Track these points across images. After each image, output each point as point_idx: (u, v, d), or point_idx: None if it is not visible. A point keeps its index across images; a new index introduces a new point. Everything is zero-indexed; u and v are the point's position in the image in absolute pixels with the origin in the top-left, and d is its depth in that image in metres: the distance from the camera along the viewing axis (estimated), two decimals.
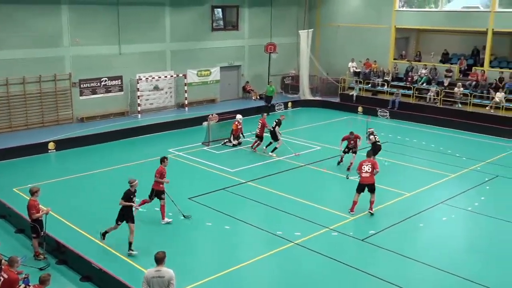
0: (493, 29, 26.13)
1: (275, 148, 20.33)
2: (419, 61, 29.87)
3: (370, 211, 14.56)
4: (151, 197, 14.01)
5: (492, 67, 27.11)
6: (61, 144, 20.93)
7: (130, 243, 12.18)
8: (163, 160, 14.12)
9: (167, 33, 27.28)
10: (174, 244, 12.80)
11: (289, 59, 33.10)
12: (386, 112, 27.56)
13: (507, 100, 24.93)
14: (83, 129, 23.08)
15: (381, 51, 30.60)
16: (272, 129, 20.29)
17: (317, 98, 31.25)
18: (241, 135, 22.03)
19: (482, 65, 27.27)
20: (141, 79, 26.13)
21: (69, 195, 16.12)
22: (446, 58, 29.58)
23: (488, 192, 16.56)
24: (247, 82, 31.41)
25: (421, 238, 13.53)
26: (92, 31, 24.45)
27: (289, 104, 29.95)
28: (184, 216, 14.32)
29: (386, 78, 29.62)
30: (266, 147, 20.56)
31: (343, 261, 11.95)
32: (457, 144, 22.33)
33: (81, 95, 24.68)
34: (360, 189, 14.56)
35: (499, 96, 24.98)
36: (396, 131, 24.42)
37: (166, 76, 27.34)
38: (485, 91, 25.90)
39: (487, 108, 25.32)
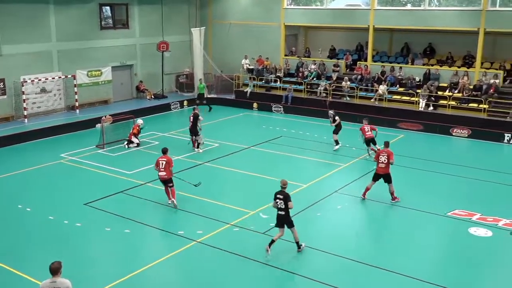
0: (374, 26, 27.85)
1: (199, 144, 20.63)
2: (309, 57, 31.08)
3: (392, 201, 15.25)
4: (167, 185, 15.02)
5: (374, 61, 28.91)
6: None
7: (298, 243, 12.20)
8: (167, 150, 15.10)
9: (53, 32, 25.94)
10: (71, 252, 12.29)
11: (182, 57, 32.92)
12: (280, 107, 28.37)
13: (389, 92, 26.76)
14: None
15: (273, 48, 31.43)
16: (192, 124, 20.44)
17: (213, 95, 31.39)
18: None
19: (366, 60, 28.98)
20: (26, 81, 24.65)
21: None
22: (333, 53, 31.04)
23: None
24: (141, 81, 30.79)
25: (319, 227, 14.14)
26: None
27: (185, 103, 29.81)
28: (195, 185, 15.69)
29: (279, 74, 30.47)
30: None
31: (247, 255, 12.18)
32: (346, 135, 23.49)
33: None
34: (375, 178, 15.25)
35: (382, 88, 26.72)
36: (290, 125, 25.26)
37: (53, 78, 26.02)
38: (369, 84, 27.59)
39: (372, 100, 26.99)
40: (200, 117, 20.55)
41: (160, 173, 14.79)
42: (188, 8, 33.08)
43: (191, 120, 20.40)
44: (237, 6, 32.66)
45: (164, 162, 14.71)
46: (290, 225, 12.02)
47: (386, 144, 15.58)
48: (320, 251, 12.51)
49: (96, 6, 27.89)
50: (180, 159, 19.56)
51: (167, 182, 14.89)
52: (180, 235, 13.20)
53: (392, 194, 15.37)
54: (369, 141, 19.93)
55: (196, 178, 17.80)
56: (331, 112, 21.34)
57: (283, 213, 11.91)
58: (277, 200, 11.92)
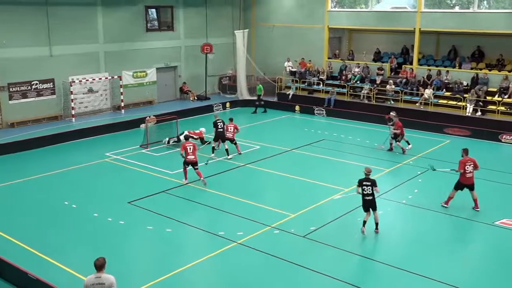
0: (420, 29, 27.28)
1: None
2: (352, 60, 30.73)
3: (476, 208, 14.84)
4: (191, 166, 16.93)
5: (420, 65, 28.31)
6: None
7: (377, 224, 13.45)
8: (189, 137, 18.16)
9: (100, 34, 26.62)
10: (113, 249, 12.53)
11: (226, 59, 33.15)
12: (322, 110, 28.15)
13: (435, 96, 26.14)
14: (13, 135, 22.17)
15: (316, 50, 31.24)
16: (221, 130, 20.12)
17: (255, 97, 31.41)
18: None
19: (411, 63, 28.41)
20: (74, 81, 25.36)
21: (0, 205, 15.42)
22: (378, 56, 30.56)
23: (420, 185, 17.27)
24: (184, 83, 31.18)
25: (360, 232, 13.91)
26: (20, 32, 23.49)
27: (227, 104, 29.98)
28: (205, 164, 17.68)
29: (321, 77, 30.26)
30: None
31: (286, 258, 12.12)
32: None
33: (10, 99, 23.65)
34: (459, 187, 14.87)
35: (428, 92, 26.13)
36: (332, 129, 25.02)
37: (100, 78, 26.68)
38: (414, 88, 27.03)
39: (417, 104, 26.42)
40: (238, 128, 20.55)
41: (189, 157, 16.72)
42: (231, 10, 33.30)
43: (228, 129, 20.07)
44: (280, 8, 32.65)
45: (191, 147, 16.77)
46: (375, 208, 13.29)
47: (467, 152, 14.96)
48: (361, 257, 12.32)
49: (142, 9, 28.44)
50: (221, 161, 19.67)
51: (194, 164, 16.80)
52: (220, 236, 13.25)
53: (475, 201, 14.92)
54: (402, 136, 20.19)
55: (236, 179, 17.94)
56: (392, 113, 21.16)
57: (371, 197, 13.17)
58: (364, 187, 13.13)
